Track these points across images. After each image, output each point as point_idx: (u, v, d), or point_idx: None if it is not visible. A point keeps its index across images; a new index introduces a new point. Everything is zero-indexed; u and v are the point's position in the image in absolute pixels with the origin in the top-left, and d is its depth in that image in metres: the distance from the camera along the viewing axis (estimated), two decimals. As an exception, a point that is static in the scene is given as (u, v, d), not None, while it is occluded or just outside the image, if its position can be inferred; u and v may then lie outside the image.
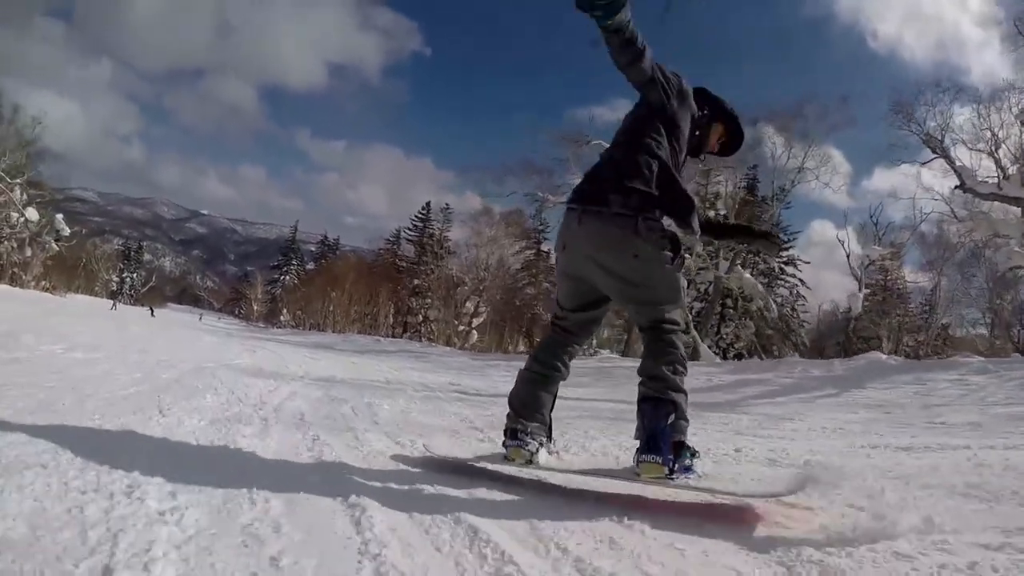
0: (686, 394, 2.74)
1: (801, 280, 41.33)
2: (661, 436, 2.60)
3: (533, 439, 2.95)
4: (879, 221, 31.27)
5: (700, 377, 12.43)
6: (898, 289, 38.32)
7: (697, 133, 3.01)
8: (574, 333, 3.09)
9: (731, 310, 36.78)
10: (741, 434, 5.34)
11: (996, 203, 24.08)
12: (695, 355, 26.80)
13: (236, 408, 4.58)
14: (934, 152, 24.69)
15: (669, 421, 2.62)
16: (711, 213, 28.58)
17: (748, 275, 30.94)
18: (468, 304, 49.96)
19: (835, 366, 12.92)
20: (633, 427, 2.75)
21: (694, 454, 2.79)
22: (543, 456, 2.96)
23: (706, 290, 32.74)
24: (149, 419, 3.69)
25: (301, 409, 5.02)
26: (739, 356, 33.69)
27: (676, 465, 2.61)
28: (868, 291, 35.03)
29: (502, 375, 12.97)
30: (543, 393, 3.03)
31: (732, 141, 3.20)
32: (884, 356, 14.83)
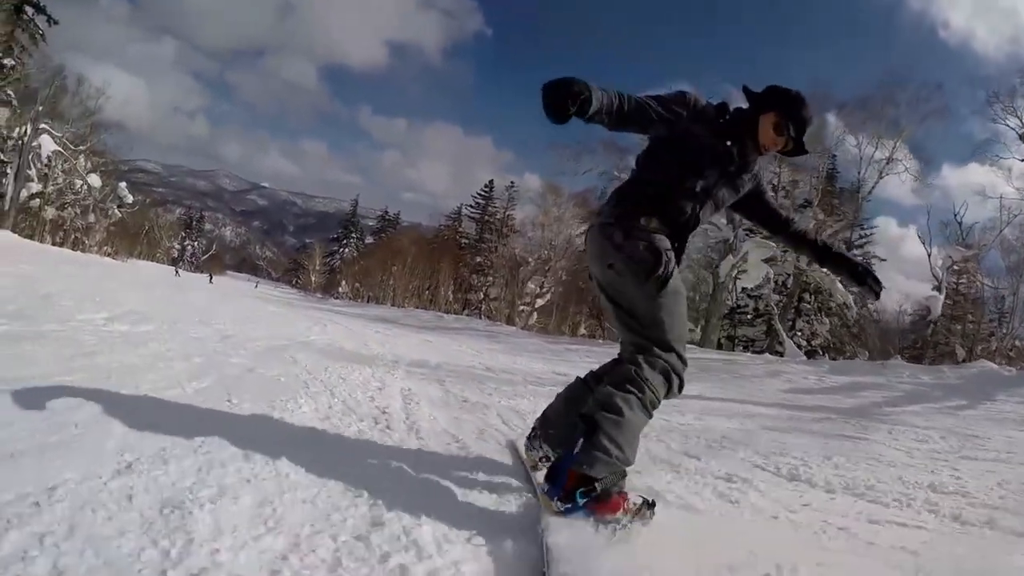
0: (627, 431, 2.42)
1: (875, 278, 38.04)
2: (561, 464, 2.39)
3: None
4: (963, 220, 29.23)
5: (809, 377, 11.65)
6: (972, 294, 34.96)
7: (731, 144, 2.69)
8: None
9: (807, 305, 34.78)
10: (943, 458, 4.37)
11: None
12: (768, 348, 25.31)
13: (353, 426, 3.33)
14: None
15: (577, 447, 2.36)
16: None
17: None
18: (531, 284, 48.53)
19: (946, 373, 11.92)
20: None
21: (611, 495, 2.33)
22: None
23: (784, 282, 30.74)
24: (220, 464, 2.32)
25: (440, 423, 3.81)
26: (812, 353, 31.57)
27: (561, 500, 2.29)
28: (931, 295, 30.93)
29: (589, 362, 11.34)
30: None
31: (794, 127, 2.72)
32: (995, 365, 13.28)
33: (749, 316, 36.76)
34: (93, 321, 5.53)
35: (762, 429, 5.22)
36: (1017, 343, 32.57)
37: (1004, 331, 33.10)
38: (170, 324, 6.55)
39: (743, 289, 30.29)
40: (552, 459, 2.67)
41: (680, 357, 2.56)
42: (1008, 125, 24.52)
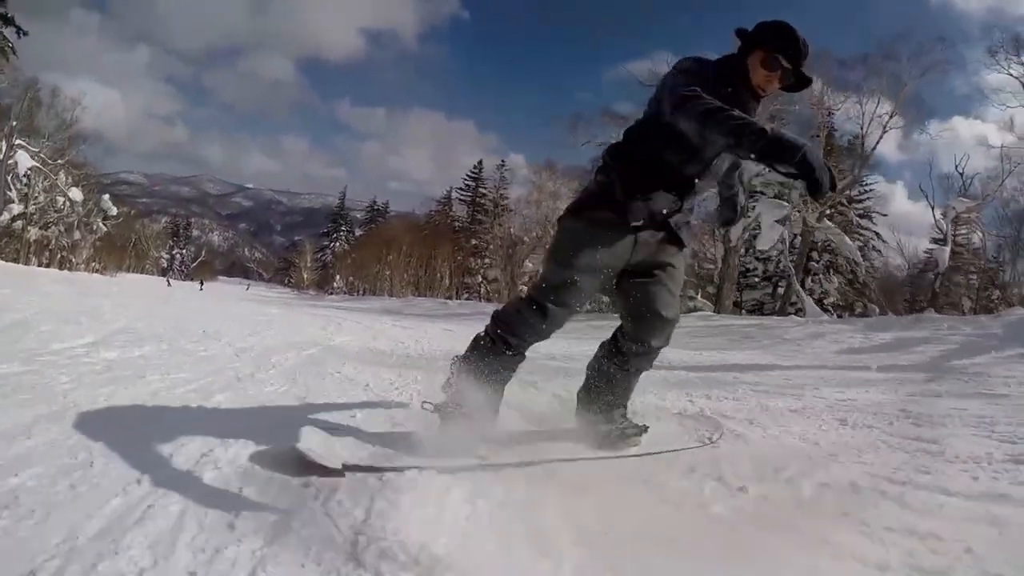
0: (482, 348, 2.81)
1: (877, 234, 38.01)
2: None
3: None
4: (964, 172, 28.87)
5: (854, 336, 11.54)
6: (971, 246, 34.83)
7: (732, 90, 2.54)
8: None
9: (815, 264, 33.99)
10: None
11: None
12: (780, 310, 24.74)
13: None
14: None
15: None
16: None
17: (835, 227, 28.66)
18: (528, 263, 47.70)
19: (985, 322, 11.79)
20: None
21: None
22: None
23: (791, 242, 30.04)
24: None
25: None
26: (825, 312, 29.60)
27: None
28: (936, 247, 32.27)
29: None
30: None
31: (785, 57, 2.53)
32: (1020, 311, 13.18)
33: (757, 279, 36.06)
34: (72, 350, 4.33)
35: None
36: (1019, 291, 32.66)
37: (1008, 279, 33.47)
38: (169, 343, 5.38)
39: (757, 252, 29.88)
40: None
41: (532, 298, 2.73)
42: (1011, 74, 24.52)
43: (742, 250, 27.97)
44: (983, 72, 27.82)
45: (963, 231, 33.39)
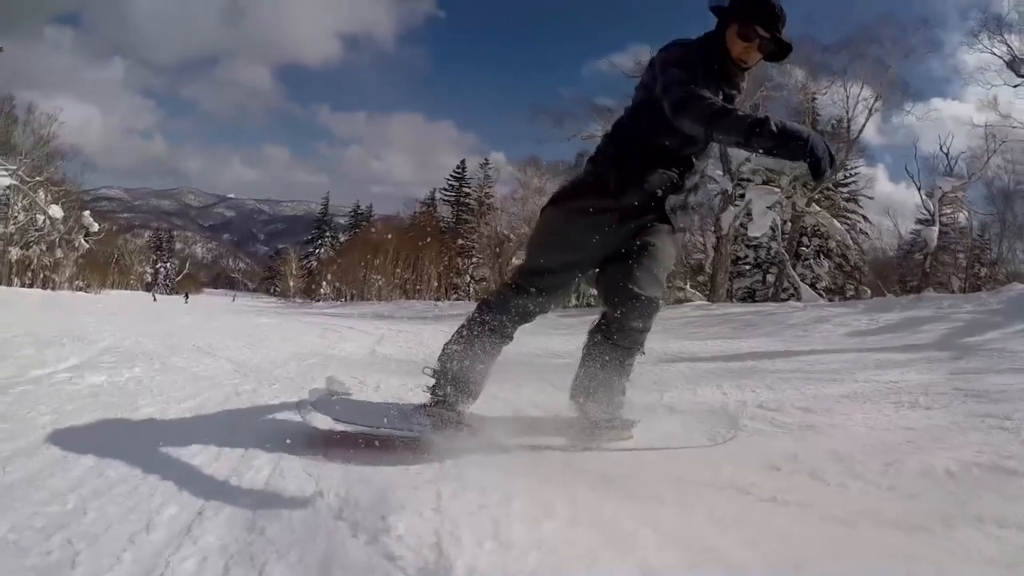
0: (468, 333, 2.81)
1: (864, 216, 38.23)
2: None
3: None
4: (949, 152, 29.59)
5: (858, 319, 11.64)
6: (957, 225, 35.87)
7: (719, 67, 2.60)
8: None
9: (806, 249, 33.88)
10: None
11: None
12: (774, 295, 24.77)
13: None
14: (1019, 75, 24.31)
15: None
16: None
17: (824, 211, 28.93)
18: (516, 260, 47.32)
19: (985, 299, 12.26)
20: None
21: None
22: None
23: (781, 227, 30.11)
24: None
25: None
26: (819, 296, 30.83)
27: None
28: (920, 227, 33.78)
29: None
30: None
31: (762, 26, 2.53)
32: (1020, 286, 13.44)
33: (748, 267, 35.99)
34: (55, 376, 3.93)
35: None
36: (1007, 268, 33.03)
37: (994, 257, 34.52)
38: (161, 361, 4.98)
39: (748, 239, 29.90)
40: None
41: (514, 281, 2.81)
42: (995, 53, 24.82)
43: (733, 238, 27.88)
44: (960, 53, 29.01)
45: (948, 211, 33.52)
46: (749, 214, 25.10)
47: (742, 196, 26.04)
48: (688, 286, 37.20)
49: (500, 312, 2.76)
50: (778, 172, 25.50)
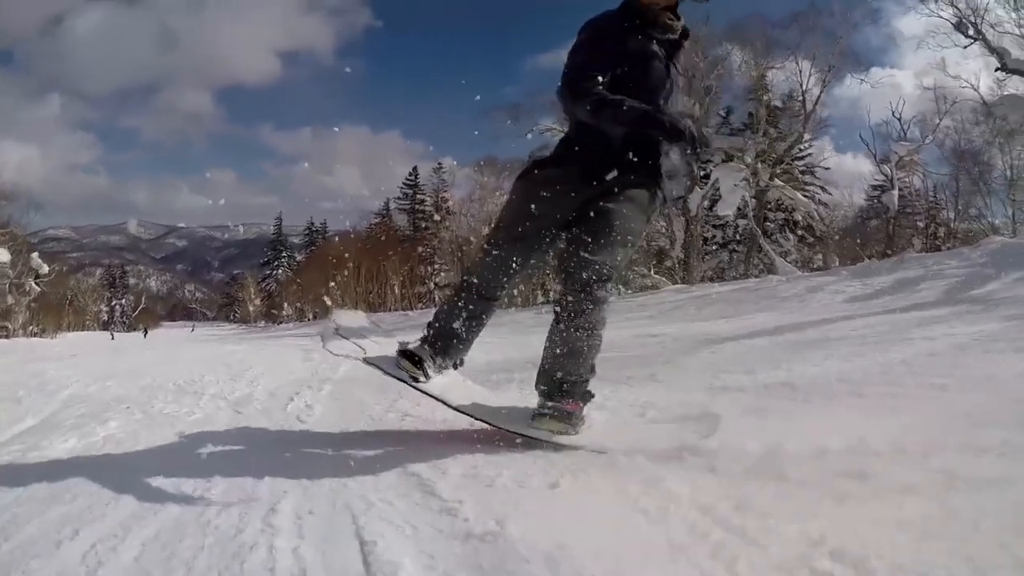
0: (452, 299, 2.90)
1: (822, 187, 38.48)
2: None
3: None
4: (901, 116, 30.43)
5: (851, 284, 11.97)
6: (912, 187, 36.23)
7: (638, 23, 2.66)
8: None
9: (771, 224, 33.96)
10: None
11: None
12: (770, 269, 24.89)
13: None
14: (967, 36, 24.39)
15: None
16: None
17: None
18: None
19: (968, 254, 12.39)
20: None
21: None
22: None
23: (749, 204, 30.06)
24: None
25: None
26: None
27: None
28: (878, 193, 35.70)
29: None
30: None
31: None
32: (1000, 238, 14.26)
33: (715, 247, 35.75)
34: (7, 447, 3.03)
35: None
36: (963, 226, 33.94)
37: (951, 217, 34.94)
38: (142, 409, 4.10)
39: (715, 219, 29.90)
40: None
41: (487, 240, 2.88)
42: (942, 16, 24.97)
43: (702, 219, 27.87)
44: (895, 22, 29.43)
45: (901, 175, 33.20)
46: (717, 193, 25.02)
47: (705, 177, 25.79)
48: (653, 272, 37.01)
49: (478, 272, 2.82)
50: (740, 150, 25.44)
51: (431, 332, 2.88)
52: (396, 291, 54.52)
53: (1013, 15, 23.80)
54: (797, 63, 27.27)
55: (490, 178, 42.32)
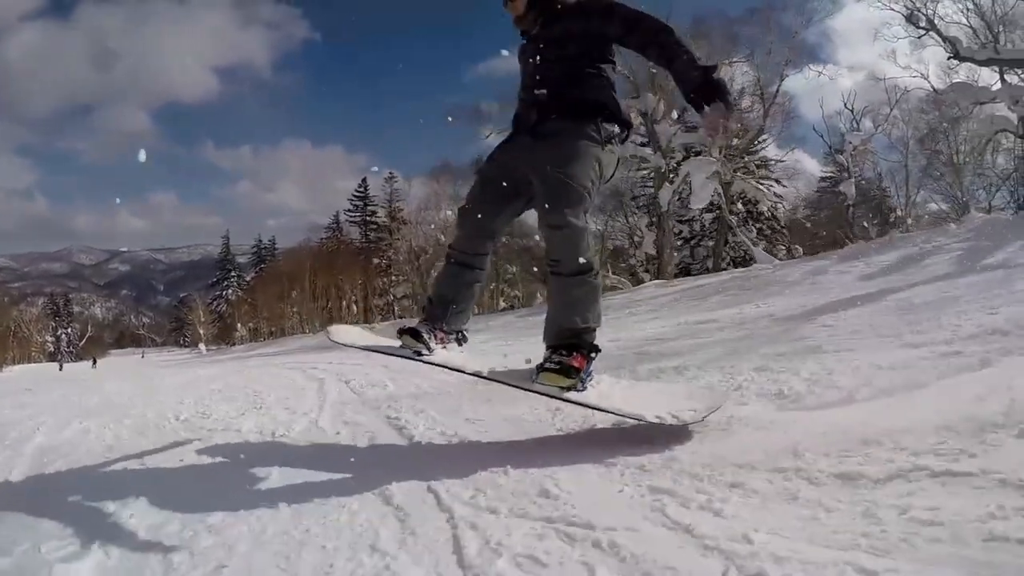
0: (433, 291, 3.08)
1: (777, 180, 38.74)
2: None
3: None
4: (853, 107, 31.67)
5: (854, 264, 11.58)
6: (865, 176, 36.76)
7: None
8: None
9: (734, 217, 33.61)
10: None
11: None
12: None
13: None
14: (919, 27, 25.06)
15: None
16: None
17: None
18: (434, 272, 45.47)
19: (955, 230, 12.62)
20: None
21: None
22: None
23: (723, 196, 29.99)
24: None
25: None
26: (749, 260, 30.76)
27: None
28: (828, 183, 38.21)
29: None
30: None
31: None
32: (982, 215, 14.27)
33: (680, 242, 35.41)
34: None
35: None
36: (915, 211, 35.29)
37: (901, 203, 35.89)
38: (139, 460, 2.97)
39: (678, 214, 29.82)
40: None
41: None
42: (894, 9, 25.64)
43: (672, 214, 27.64)
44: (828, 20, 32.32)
45: (854, 165, 34.28)
46: (688, 187, 24.76)
47: (673, 171, 25.81)
48: (611, 273, 36.56)
49: (456, 241, 3.01)
50: (708, 144, 25.30)
51: (427, 307, 3.00)
52: (353, 306, 53.06)
53: (959, 5, 25.09)
54: (754, 58, 27.82)
55: (446, 185, 41.21)
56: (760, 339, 5.37)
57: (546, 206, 2.59)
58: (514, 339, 11.00)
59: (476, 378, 2.83)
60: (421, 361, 2.82)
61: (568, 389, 2.51)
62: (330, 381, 6.19)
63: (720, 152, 25.97)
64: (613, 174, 2.87)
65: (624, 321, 10.66)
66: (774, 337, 5.33)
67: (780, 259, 26.92)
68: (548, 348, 2.65)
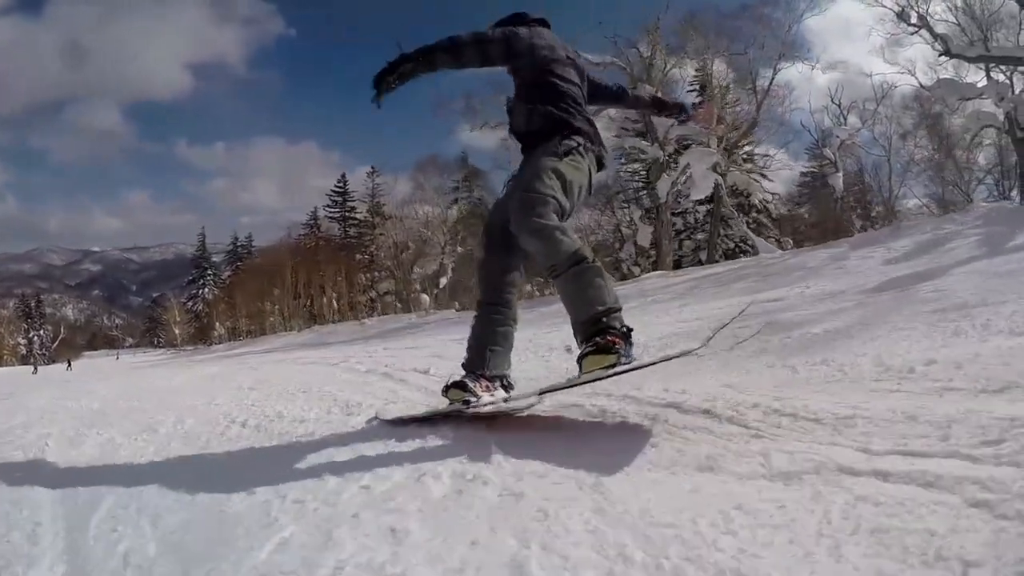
0: (470, 340, 3.08)
1: (763, 174, 38.60)
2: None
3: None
4: (840, 102, 32.37)
5: (875, 250, 11.31)
6: (851, 170, 37.00)
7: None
8: None
9: (725, 210, 33.51)
10: None
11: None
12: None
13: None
14: (911, 24, 24.93)
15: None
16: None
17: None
18: (417, 268, 44.61)
19: (958, 219, 12.45)
20: None
21: None
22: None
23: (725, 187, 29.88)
24: None
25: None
26: (740, 253, 32.56)
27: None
28: (809, 178, 39.53)
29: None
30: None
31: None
32: (986, 205, 13.97)
33: (672, 234, 35.22)
34: None
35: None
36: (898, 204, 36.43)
37: (885, 196, 36.85)
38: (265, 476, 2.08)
39: (672, 207, 29.77)
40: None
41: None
42: (885, 6, 25.74)
43: (671, 204, 27.37)
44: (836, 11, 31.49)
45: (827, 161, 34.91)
46: (689, 178, 24.47)
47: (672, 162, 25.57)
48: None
49: (479, 286, 3.15)
50: (706, 137, 25.00)
51: (466, 357, 3.00)
52: (333, 302, 51.89)
53: (947, 3, 25.40)
54: (748, 53, 27.80)
55: (431, 179, 40.32)
56: (889, 307, 5.34)
57: (513, 221, 2.73)
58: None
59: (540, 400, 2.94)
60: (472, 411, 2.80)
61: (613, 366, 2.39)
62: (376, 374, 5.33)
63: (719, 144, 25.75)
64: (590, 180, 2.94)
65: (666, 306, 10.28)
66: (905, 303, 5.31)
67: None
68: (580, 344, 2.54)
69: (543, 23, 3.16)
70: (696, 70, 31.20)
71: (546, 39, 3.04)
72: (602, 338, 2.43)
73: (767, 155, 37.27)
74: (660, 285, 15.48)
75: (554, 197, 2.69)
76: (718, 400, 2.67)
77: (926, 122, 31.54)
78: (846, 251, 12.27)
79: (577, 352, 2.54)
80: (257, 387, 5.51)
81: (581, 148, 2.89)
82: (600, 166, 3.03)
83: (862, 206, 36.14)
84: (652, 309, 10.06)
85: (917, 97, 30.07)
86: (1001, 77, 25.80)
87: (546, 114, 2.93)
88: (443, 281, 42.16)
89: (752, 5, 28.11)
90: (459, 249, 42.72)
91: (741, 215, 33.54)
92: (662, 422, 2.44)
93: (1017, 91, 25.20)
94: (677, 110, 3.74)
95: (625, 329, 2.49)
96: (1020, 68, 24.98)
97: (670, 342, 5.12)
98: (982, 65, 25.66)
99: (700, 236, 35.75)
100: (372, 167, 55.17)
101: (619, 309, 2.52)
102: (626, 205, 34.97)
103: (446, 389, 2.84)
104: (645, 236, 29.29)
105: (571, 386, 2.68)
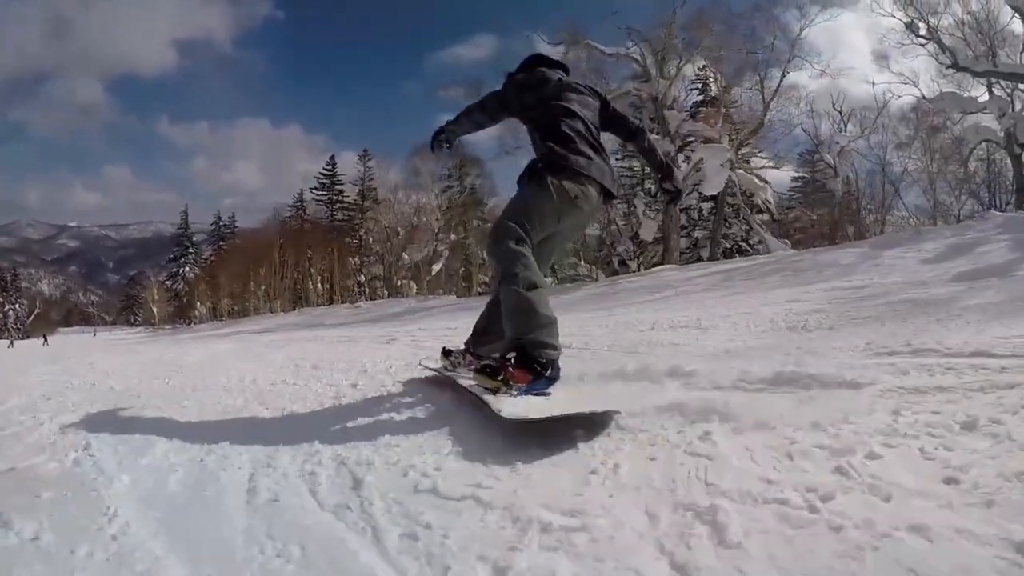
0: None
1: (759, 177, 37.37)
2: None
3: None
4: (842, 109, 32.18)
5: (906, 252, 10.68)
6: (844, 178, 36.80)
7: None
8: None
9: (729, 208, 33.89)
10: None
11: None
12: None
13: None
14: (919, 36, 25.38)
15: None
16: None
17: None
18: (405, 255, 43.73)
19: (976, 226, 12.15)
20: None
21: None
22: None
23: (737, 184, 30.06)
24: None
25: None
26: (736, 253, 32.61)
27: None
28: (800, 183, 40.01)
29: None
30: None
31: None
32: (1001, 215, 13.59)
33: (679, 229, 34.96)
34: None
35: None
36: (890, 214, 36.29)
37: (878, 204, 36.90)
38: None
39: (697, 197, 29.65)
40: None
41: None
42: (895, 17, 26.07)
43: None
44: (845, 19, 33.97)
45: (821, 166, 35.82)
46: (701, 173, 24.00)
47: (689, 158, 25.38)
48: (583, 262, 35.46)
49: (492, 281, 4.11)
50: (716, 133, 24.59)
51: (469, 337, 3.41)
52: (318, 285, 50.86)
53: (953, 18, 25.74)
54: (757, 55, 27.28)
55: (427, 163, 39.45)
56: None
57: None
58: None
59: None
60: (448, 375, 3.30)
61: (494, 392, 2.51)
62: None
63: (730, 141, 25.53)
64: (561, 197, 2.87)
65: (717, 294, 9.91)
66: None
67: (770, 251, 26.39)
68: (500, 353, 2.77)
69: (560, 66, 3.37)
70: (699, 68, 30.61)
71: (553, 79, 3.19)
72: (502, 362, 2.59)
73: (764, 158, 37.02)
74: (680, 277, 14.88)
75: (515, 221, 2.83)
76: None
77: (922, 133, 31.64)
78: (871, 251, 11.81)
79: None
80: (299, 364, 4.62)
81: (543, 177, 2.89)
82: (581, 188, 2.94)
83: (854, 213, 35.92)
84: (705, 298, 9.75)
85: (915, 108, 30.11)
86: (1002, 94, 26.07)
87: (545, 151, 2.99)
88: (435, 268, 41.32)
89: (763, 7, 27.62)
90: (452, 236, 41.90)
91: (742, 215, 33.19)
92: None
93: (1018, 108, 25.73)
94: (668, 182, 3.54)
95: (538, 365, 2.61)
96: (1022, 85, 25.27)
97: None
98: (984, 80, 25.93)
99: (697, 234, 35.37)
100: (364, 150, 54.19)
101: (540, 340, 2.64)
102: (623, 201, 34.33)
103: (443, 352, 3.57)
104: (649, 230, 28.78)
105: (476, 387, 2.69)
